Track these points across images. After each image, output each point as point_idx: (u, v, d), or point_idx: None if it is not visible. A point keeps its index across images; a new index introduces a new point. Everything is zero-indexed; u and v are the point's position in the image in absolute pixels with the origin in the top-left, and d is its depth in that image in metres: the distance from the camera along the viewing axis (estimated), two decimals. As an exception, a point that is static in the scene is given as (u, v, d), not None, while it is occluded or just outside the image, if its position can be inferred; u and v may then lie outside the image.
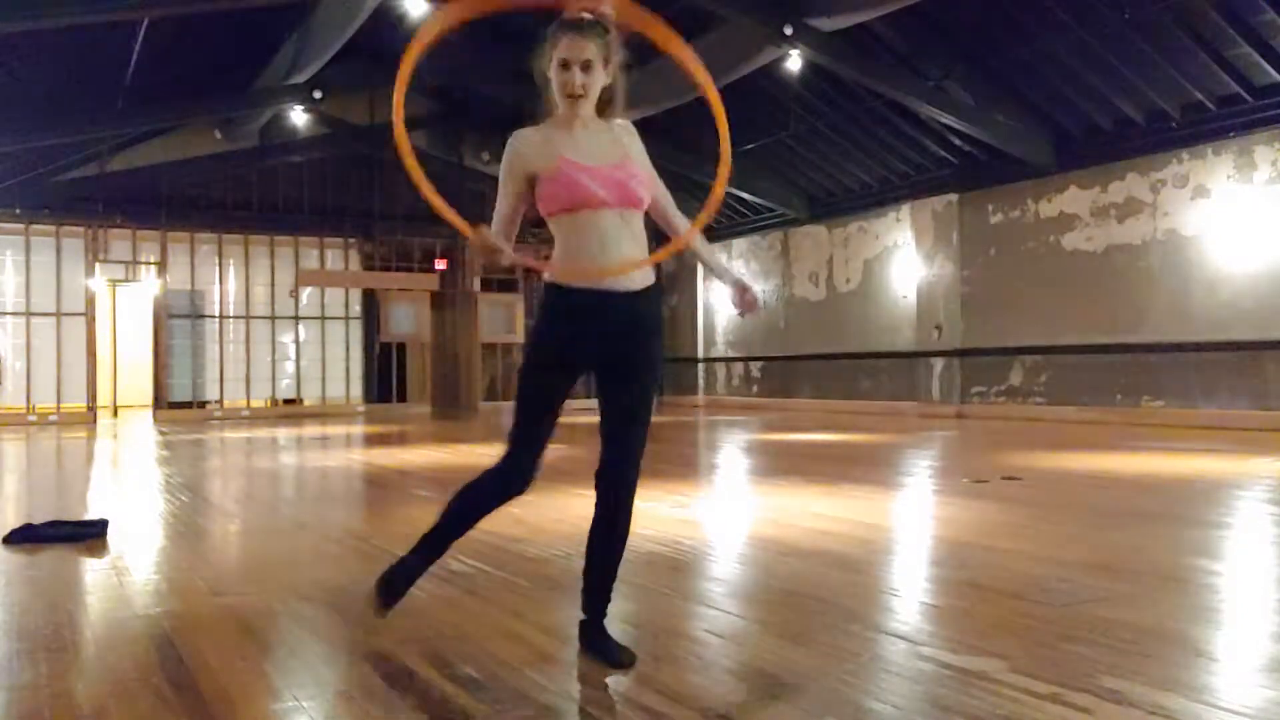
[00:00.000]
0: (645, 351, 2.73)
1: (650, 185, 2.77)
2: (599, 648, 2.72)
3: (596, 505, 2.74)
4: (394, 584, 2.80)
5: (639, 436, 2.73)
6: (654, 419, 2.86)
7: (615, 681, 2.64)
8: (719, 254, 2.81)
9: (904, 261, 15.40)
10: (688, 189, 18.46)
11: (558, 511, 5.25)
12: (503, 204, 2.73)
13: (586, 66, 2.61)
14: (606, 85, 2.69)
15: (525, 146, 2.70)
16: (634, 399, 2.72)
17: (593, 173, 2.64)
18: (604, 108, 2.73)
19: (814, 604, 3.40)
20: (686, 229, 2.78)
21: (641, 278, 2.70)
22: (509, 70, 14.56)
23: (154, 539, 5.03)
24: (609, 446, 2.73)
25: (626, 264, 2.65)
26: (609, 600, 2.77)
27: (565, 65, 2.62)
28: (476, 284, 18.84)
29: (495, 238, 2.60)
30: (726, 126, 2.58)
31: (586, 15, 2.62)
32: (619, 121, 2.78)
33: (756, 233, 18.50)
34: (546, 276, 2.76)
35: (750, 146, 16.14)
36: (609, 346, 2.70)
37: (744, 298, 2.86)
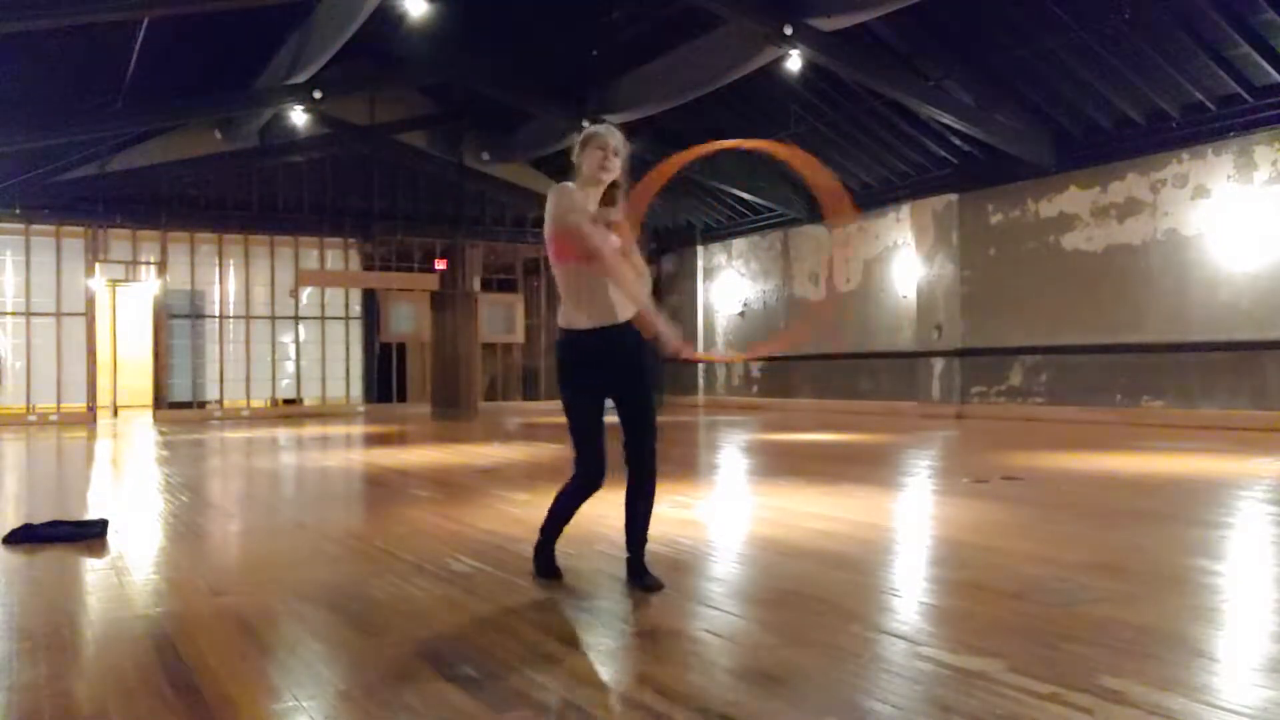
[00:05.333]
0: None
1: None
2: (638, 577, 3.58)
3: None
4: (539, 560, 3.74)
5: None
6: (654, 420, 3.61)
7: (615, 681, 2.64)
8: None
9: (904, 261, 15.39)
10: (689, 189, 18.48)
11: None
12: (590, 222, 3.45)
13: (615, 153, 3.51)
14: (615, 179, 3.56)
15: (580, 200, 3.48)
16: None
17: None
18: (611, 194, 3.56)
19: (814, 604, 3.40)
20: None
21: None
22: (508, 71, 14.56)
23: (154, 539, 5.03)
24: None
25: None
26: (645, 542, 3.62)
27: (602, 149, 3.48)
28: (476, 284, 18.84)
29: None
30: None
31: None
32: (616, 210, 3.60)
33: (756, 233, 18.50)
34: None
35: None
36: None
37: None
